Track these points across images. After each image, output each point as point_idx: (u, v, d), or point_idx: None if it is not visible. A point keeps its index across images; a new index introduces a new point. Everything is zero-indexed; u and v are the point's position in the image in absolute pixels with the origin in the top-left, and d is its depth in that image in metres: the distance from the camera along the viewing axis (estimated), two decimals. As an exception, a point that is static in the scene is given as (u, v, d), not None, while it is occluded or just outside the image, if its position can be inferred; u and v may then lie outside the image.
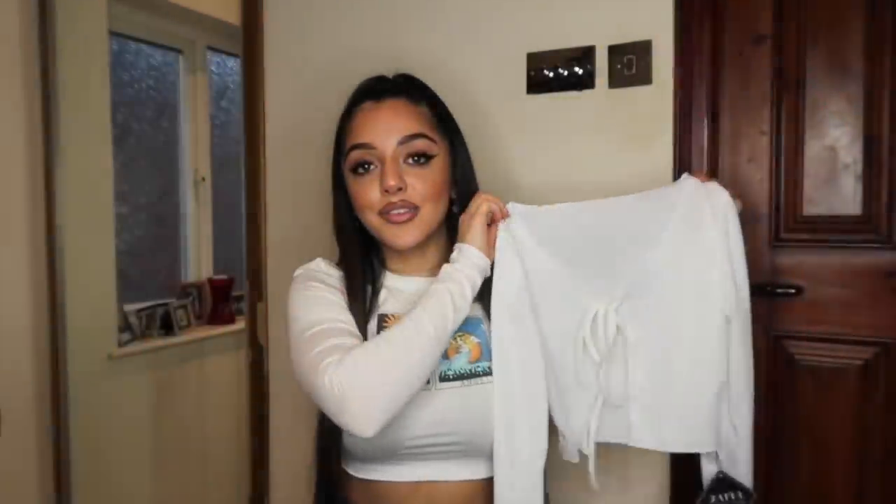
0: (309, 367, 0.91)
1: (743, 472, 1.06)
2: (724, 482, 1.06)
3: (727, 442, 1.04)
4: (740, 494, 1.06)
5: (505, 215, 1.02)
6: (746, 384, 1.04)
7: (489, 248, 1.01)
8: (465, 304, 0.95)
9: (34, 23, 2.03)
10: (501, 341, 1.01)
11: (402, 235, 1.01)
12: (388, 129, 1.01)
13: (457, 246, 1.00)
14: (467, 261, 0.97)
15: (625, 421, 1.06)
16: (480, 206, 1.00)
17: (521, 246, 1.02)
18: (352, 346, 0.92)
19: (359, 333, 0.98)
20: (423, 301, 0.94)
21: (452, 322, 0.94)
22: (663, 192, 1.04)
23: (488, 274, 1.00)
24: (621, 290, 1.03)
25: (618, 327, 1.03)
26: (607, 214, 1.03)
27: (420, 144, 1.01)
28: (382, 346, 0.91)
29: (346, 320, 0.99)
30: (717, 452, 1.06)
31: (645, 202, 1.03)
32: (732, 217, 1.01)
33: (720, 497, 1.06)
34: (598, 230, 1.03)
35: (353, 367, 0.87)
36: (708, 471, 1.07)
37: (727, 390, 1.02)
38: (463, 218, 1.02)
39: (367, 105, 1.04)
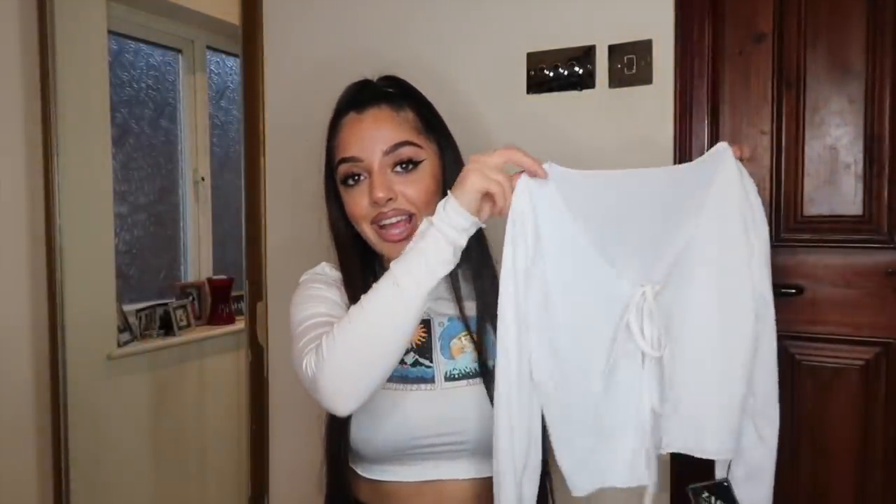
0: (296, 358, 0.93)
1: (764, 490, 0.98)
2: (724, 491, 0.99)
3: (747, 452, 0.97)
4: None
5: (538, 174, 0.88)
6: (774, 389, 0.97)
7: (484, 203, 0.88)
8: (441, 265, 0.87)
9: (33, 23, 2.03)
10: (505, 340, 0.88)
11: (399, 249, 0.97)
12: (373, 139, 1.00)
13: (445, 199, 0.89)
14: (447, 217, 0.87)
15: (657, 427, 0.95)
16: (491, 182, 0.86)
17: (547, 217, 0.88)
18: None
19: None
20: (394, 266, 0.88)
21: (427, 286, 0.86)
22: (700, 165, 0.94)
23: (472, 232, 0.89)
24: (661, 272, 0.92)
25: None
26: (648, 184, 0.91)
27: (406, 152, 1.01)
28: (351, 321, 0.88)
29: (340, 315, 0.98)
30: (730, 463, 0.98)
31: (683, 173, 0.95)
32: (760, 207, 0.94)
33: (711, 499, 1.00)
34: (635, 201, 0.90)
35: (325, 348, 0.88)
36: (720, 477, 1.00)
37: (753, 395, 0.95)
38: (472, 158, 0.89)
39: (351, 116, 1.04)
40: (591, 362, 0.92)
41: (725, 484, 0.99)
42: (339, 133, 1.05)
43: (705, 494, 1.00)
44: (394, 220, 1.00)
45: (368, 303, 0.89)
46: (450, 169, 1.06)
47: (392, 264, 0.89)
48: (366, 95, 1.05)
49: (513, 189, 0.88)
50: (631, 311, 0.90)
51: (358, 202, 1.02)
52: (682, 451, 0.96)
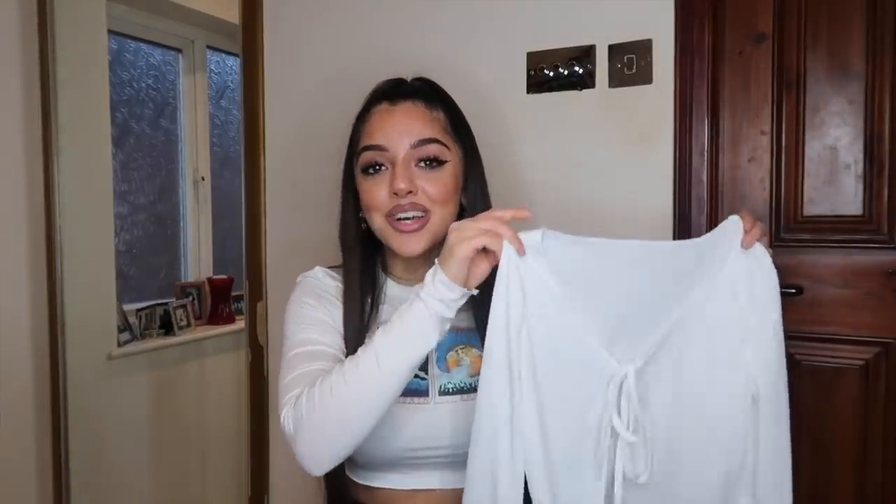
0: (280, 395, 0.93)
1: None
2: None
3: None
4: None
5: (518, 249, 0.85)
6: (784, 470, 0.91)
7: (471, 277, 0.87)
8: (425, 340, 0.86)
9: (33, 22, 2.03)
10: (488, 407, 0.87)
11: (410, 243, 1.00)
12: (402, 131, 1.00)
13: (433, 268, 0.88)
14: (435, 291, 0.86)
15: None
16: (476, 238, 0.84)
17: (533, 287, 0.86)
18: (321, 375, 0.90)
19: (341, 355, 0.98)
20: (384, 334, 0.87)
21: (409, 362, 0.87)
22: (702, 242, 0.91)
23: (462, 302, 0.88)
24: (644, 350, 0.89)
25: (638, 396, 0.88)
26: (642, 258, 0.89)
27: (433, 149, 1.00)
28: (334, 387, 0.87)
29: (330, 342, 0.98)
30: None
31: (682, 250, 0.92)
32: (775, 287, 0.91)
33: None
34: (631, 275, 0.88)
35: (305, 408, 0.88)
36: None
37: (752, 478, 0.90)
38: (452, 227, 0.88)
39: (383, 107, 1.04)
40: (574, 430, 0.90)
41: None
42: (367, 121, 1.04)
43: None
44: (410, 214, 0.99)
45: (349, 377, 0.87)
46: (472, 176, 1.06)
47: (376, 337, 0.87)
48: (401, 89, 1.05)
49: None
50: (611, 391, 0.88)
51: (376, 192, 1.01)
52: None
